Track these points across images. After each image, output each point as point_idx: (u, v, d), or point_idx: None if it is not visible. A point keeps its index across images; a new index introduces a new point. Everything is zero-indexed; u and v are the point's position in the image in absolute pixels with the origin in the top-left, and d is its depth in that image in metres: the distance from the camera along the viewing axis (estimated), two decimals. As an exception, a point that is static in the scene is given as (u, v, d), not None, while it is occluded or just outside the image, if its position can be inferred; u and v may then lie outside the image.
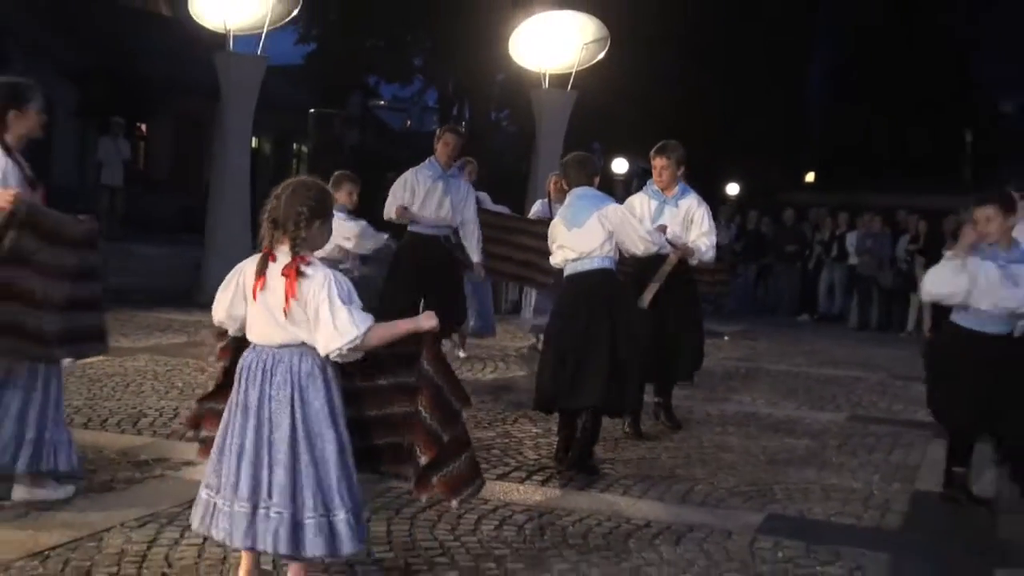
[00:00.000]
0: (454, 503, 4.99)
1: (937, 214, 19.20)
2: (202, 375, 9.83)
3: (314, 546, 4.48)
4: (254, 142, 17.95)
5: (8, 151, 5.86)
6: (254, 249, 5.02)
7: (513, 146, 35.80)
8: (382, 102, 42.28)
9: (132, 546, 5.29)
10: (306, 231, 4.54)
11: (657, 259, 8.04)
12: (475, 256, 10.46)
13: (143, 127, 30.88)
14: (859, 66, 51.04)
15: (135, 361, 10.15)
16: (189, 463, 6.91)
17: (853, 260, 19.24)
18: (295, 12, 16.29)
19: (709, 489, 7.05)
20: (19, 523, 5.54)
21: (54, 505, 5.85)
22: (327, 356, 4.51)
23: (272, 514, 4.47)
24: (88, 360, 8.45)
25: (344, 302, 4.47)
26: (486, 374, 10.88)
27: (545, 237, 7.73)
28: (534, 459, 7.51)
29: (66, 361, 6.39)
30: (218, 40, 16.15)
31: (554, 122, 17.05)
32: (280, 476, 4.49)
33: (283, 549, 4.49)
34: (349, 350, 4.47)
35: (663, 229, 8.24)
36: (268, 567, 4.87)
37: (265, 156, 34.57)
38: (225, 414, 4.69)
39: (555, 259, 7.52)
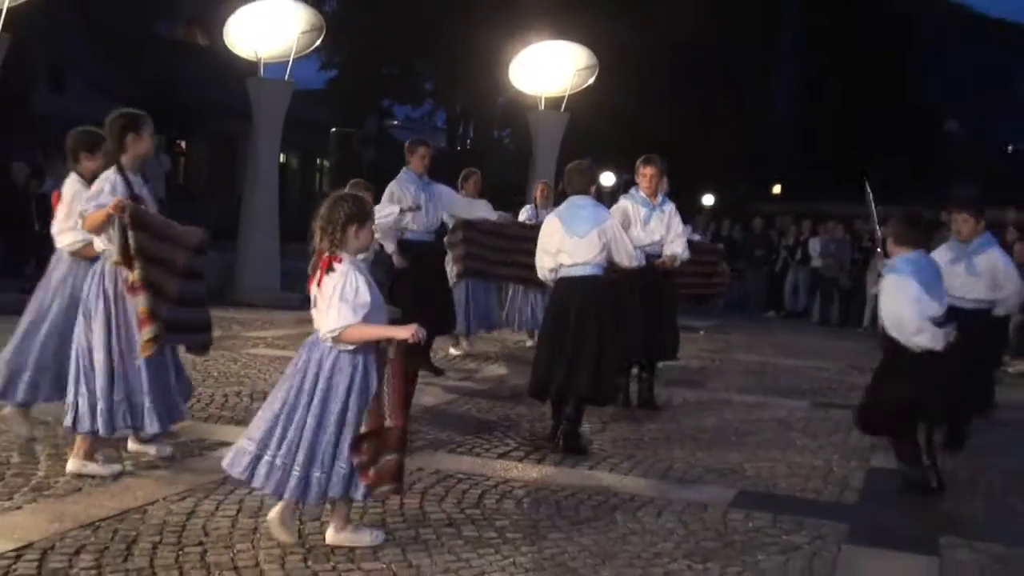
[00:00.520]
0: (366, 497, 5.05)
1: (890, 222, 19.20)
2: (235, 364, 9.84)
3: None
4: (282, 158, 17.99)
5: (120, 169, 6.13)
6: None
7: (513, 161, 35.75)
8: (396, 122, 42.21)
9: (173, 517, 5.29)
10: (342, 235, 4.82)
11: (639, 269, 8.09)
12: (492, 216, 10.25)
13: (183, 144, 30.89)
14: (818, 93, 51.29)
15: (175, 353, 10.12)
16: (224, 443, 6.91)
17: (815, 263, 19.25)
18: (318, 42, 16.33)
19: (687, 467, 7.05)
20: (73, 498, 5.55)
21: (104, 481, 5.86)
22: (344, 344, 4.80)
23: (292, 467, 4.80)
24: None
25: (344, 299, 4.74)
26: (488, 364, 10.86)
27: None
28: (530, 440, 7.50)
29: None
30: (250, 67, 16.16)
31: (549, 140, 17.06)
32: (292, 434, 4.85)
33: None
34: (332, 338, 4.78)
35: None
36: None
37: (292, 170, 34.57)
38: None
39: (547, 263, 7.50)
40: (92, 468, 6.02)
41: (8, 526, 5.03)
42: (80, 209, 6.11)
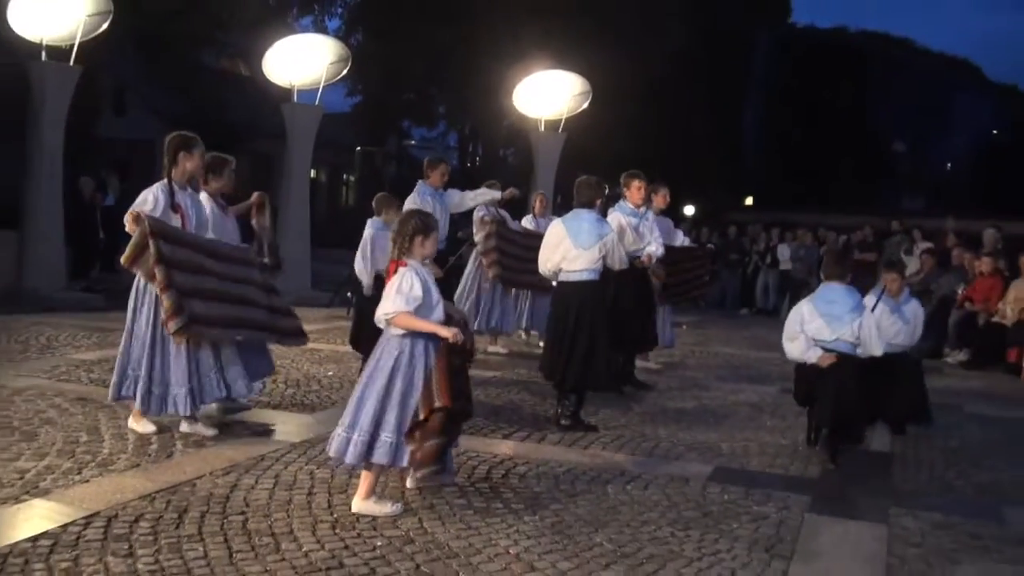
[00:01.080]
0: (410, 479, 5.47)
1: (847, 230, 19.30)
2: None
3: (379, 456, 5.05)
4: (312, 173, 18.01)
5: (169, 181, 6.39)
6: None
7: (516, 176, 35.74)
8: (413, 141, 42.16)
9: (218, 490, 5.32)
10: (409, 245, 5.19)
11: (626, 269, 8.15)
12: (498, 194, 10.15)
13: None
14: (785, 117, 51.52)
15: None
16: (263, 424, 6.94)
17: (784, 266, 19.25)
18: (345, 72, 16.37)
19: (670, 445, 7.07)
20: (132, 473, 5.58)
21: (158, 458, 5.89)
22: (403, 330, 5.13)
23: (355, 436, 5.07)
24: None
25: (399, 292, 5.06)
26: (496, 357, 10.86)
27: None
28: (532, 422, 7.52)
29: None
30: (285, 94, 16.19)
31: (548, 157, 17.07)
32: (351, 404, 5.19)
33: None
34: (385, 320, 5.11)
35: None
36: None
37: (321, 184, 34.55)
38: None
39: (549, 263, 7.57)
40: (141, 427, 6.47)
41: (79, 497, 5.07)
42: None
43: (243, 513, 4.98)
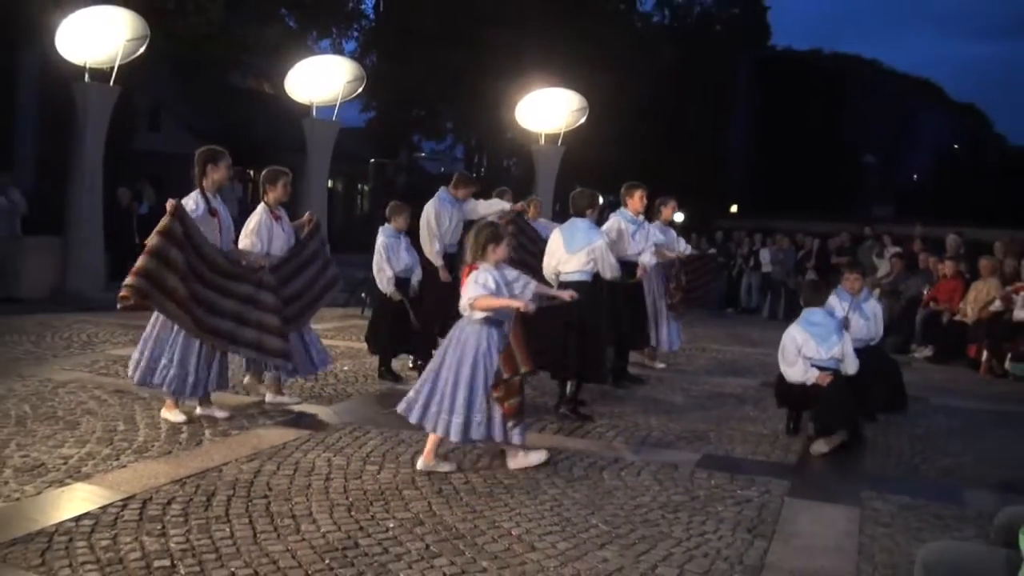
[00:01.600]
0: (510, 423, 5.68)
1: (824, 236, 19.27)
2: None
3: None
4: (329, 183, 18.00)
5: (203, 191, 6.56)
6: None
7: (519, 185, 35.81)
8: (423, 154, 42.23)
9: (243, 475, 5.32)
10: (483, 252, 5.62)
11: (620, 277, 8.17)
12: (507, 205, 9.75)
13: (251, 172, 30.89)
14: (767, 132, 51.64)
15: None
16: (285, 415, 6.93)
17: (766, 269, 19.21)
18: (360, 90, 16.36)
19: (661, 434, 7.05)
20: (165, 459, 5.59)
21: (188, 446, 5.88)
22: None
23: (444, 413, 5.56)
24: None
25: (476, 282, 5.52)
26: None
27: None
28: (534, 413, 7.49)
29: None
30: (304, 110, 16.18)
31: (548, 168, 17.03)
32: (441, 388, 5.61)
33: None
34: (469, 305, 5.53)
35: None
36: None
37: (338, 193, 34.52)
38: None
39: (550, 267, 7.65)
40: (173, 416, 6.50)
41: (116, 481, 5.08)
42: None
43: (266, 497, 4.98)
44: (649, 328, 9.75)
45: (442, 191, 9.36)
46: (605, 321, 7.62)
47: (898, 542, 4.89)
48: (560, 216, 14.27)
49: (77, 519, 4.45)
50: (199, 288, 6.27)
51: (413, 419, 5.65)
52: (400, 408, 5.72)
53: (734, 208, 48.10)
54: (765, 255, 19.31)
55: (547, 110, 16.15)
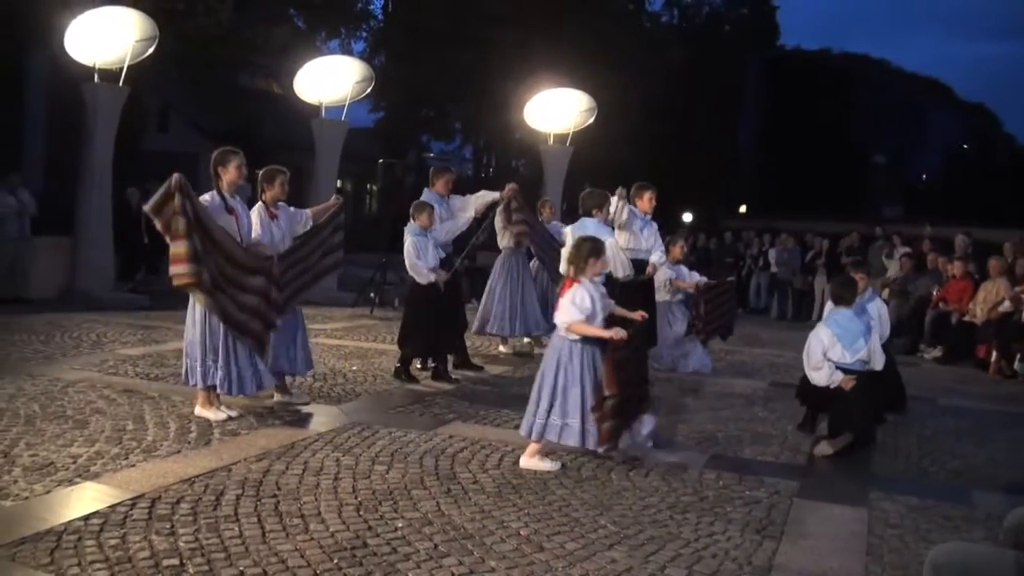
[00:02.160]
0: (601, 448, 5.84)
1: (834, 236, 19.23)
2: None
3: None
4: (338, 183, 18.01)
5: (219, 190, 6.67)
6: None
7: (527, 185, 35.83)
8: (432, 154, 42.17)
9: (252, 475, 5.33)
10: (584, 265, 5.76)
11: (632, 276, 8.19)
12: (497, 194, 9.58)
13: (259, 172, 30.93)
14: (776, 132, 51.55)
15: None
16: (294, 415, 6.95)
17: (774, 269, 19.20)
18: (369, 90, 16.38)
19: (669, 435, 7.02)
20: (174, 458, 5.59)
21: (197, 445, 5.90)
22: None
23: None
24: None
25: (573, 304, 5.68)
26: (508, 356, 10.85)
27: None
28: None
29: None
30: (314, 110, 16.22)
31: (556, 168, 17.03)
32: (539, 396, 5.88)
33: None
34: (565, 328, 5.73)
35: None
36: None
37: (346, 193, 34.49)
38: None
39: (563, 268, 7.67)
40: (205, 413, 6.60)
41: (125, 480, 5.09)
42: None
43: (275, 496, 4.98)
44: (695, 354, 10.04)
45: (425, 192, 9.22)
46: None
47: (907, 543, 4.88)
48: (568, 216, 14.27)
49: (86, 518, 4.46)
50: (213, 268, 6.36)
51: (533, 438, 5.86)
52: (523, 432, 5.95)
53: (743, 208, 48.05)
54: (773, 255, 19.29)
55: (556, 110, 16.15)
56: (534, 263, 10.71)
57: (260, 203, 7.12)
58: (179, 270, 6.15)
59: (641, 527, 4.88)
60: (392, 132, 34.87)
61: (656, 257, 8.96)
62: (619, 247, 8.19)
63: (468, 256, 10.56)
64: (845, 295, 7.06)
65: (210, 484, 5.10)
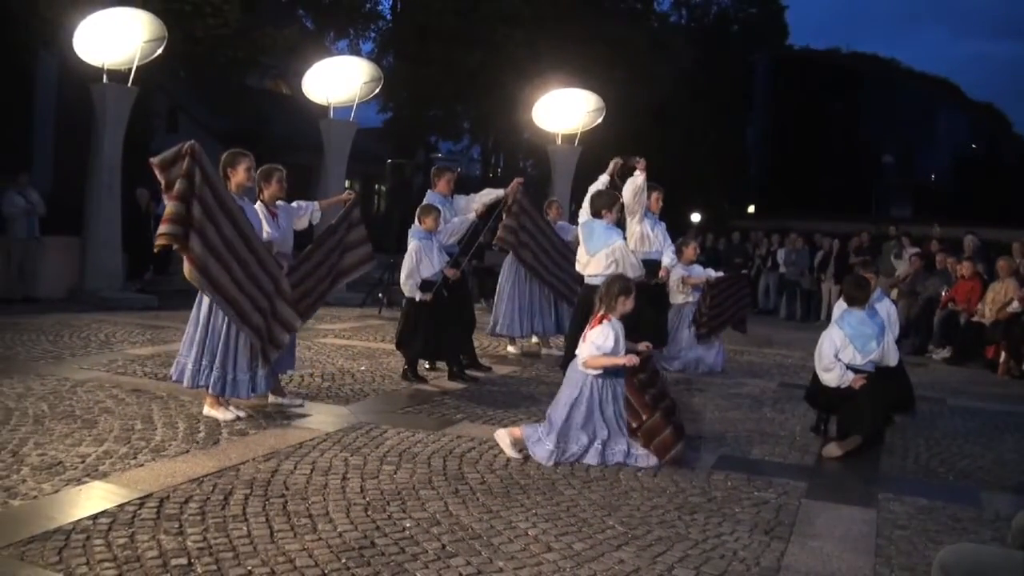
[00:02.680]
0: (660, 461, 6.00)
1: (843, 236, 19.19)
2: (308, 351, 9.87)
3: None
4: (347, 183, 18.03)
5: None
6: None
7: (535, 186, 35.83)
8: (440, 155, 42.21)
9: (260, 475, 5.33)
10: (614, 303, 6.01)
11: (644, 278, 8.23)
12: (501, 191, 9.56)
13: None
14: (785, 131, 51.45)
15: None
16: (302, 415, 6.95)
17: (782, 269, 19.17)
18: (377, 90, 16.40)
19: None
20: (182, 458, 5.60)
21: (206, 445, 5.91)
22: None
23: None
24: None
25: (594, 342, 5.92)
26: (516, 357, 10.85)
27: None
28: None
29: None
30: (322, 110, 16.25)
31: (565, 168, 17.05)
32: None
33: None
34: (582, 363, 5.96)
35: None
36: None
37: (356, 193, 34.61)
38: None
39: (578, 267, 7.89)
40: (214, 413, 6.61)
41: (134, 480, 5.09)
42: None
43: (283, 496, 4.99)
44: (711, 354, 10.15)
45: (428, 193, 9.15)
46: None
47: (915, 544, 4.86)
48: (576, 217, 14.25)
49: (94, 517, 4.47)
50: (219, 243, 6.33)
51: (551, 461, 5.92)
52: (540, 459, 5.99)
53: (751, 208, 47.99)
54: (781, 255, 19.27)
55: (564, 110, 16.15)
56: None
57: (260, 202, 7.09)
58: (165, 229, 6.09)
59: (649, 527, 4.87)
60: (400, 132, 34.87)
61: (667, 260, 8.97)
62: (628, 249, 8.18)
63: (475, 256, 10.55)
64: (858, 295, 7.00)
65: (218, 484, 5.11)
